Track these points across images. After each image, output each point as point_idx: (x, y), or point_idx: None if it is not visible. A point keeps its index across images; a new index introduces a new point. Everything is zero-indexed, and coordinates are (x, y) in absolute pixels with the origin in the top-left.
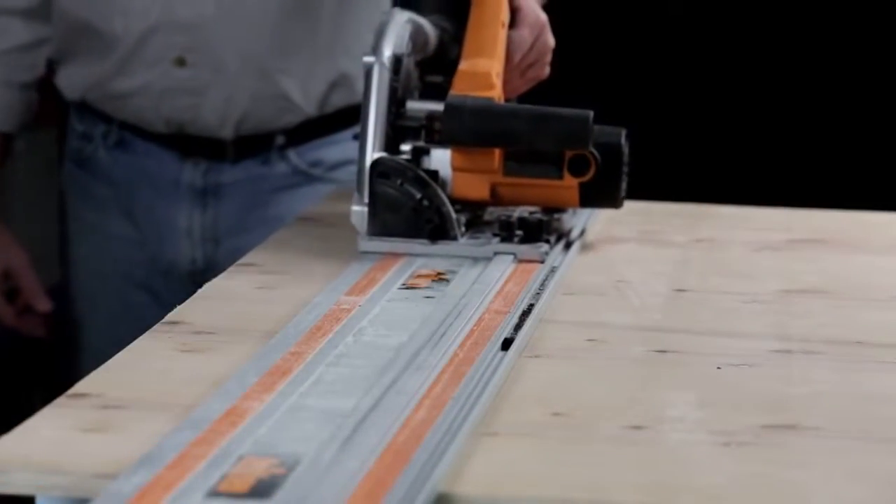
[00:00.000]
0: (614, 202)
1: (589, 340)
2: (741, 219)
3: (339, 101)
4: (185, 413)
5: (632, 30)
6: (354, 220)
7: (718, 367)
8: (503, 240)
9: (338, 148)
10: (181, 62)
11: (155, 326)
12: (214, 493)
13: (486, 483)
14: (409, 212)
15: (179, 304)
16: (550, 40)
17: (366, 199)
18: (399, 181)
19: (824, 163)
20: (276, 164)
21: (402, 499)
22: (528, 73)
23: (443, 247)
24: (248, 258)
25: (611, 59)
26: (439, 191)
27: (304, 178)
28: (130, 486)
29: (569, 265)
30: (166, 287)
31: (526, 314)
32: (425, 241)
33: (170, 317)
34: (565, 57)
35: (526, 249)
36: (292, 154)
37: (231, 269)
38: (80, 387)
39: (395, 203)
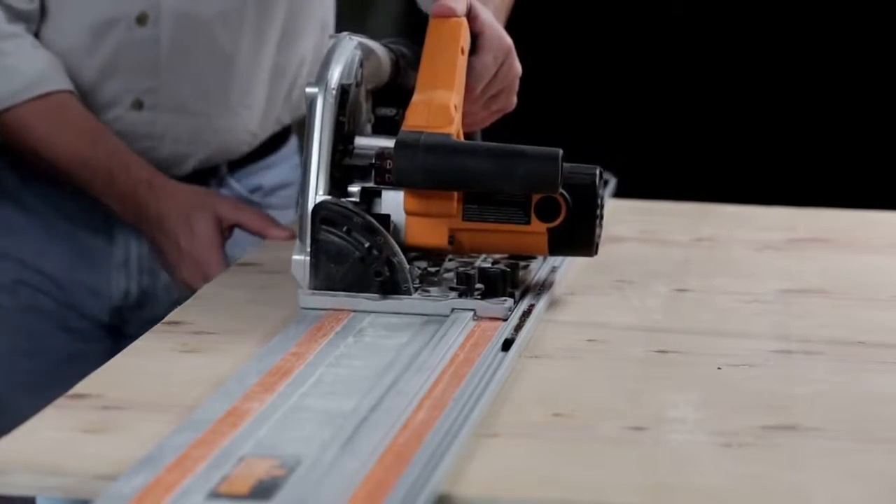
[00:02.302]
0: (588, 249)
1: (589, 341)
2: (742, 218)
3: (286, 118)
4: (186, 414)
5: (633, 29)
6: (295, 271)
7: (719, 368)
8: (461, 294)
9: (274, 171)
10: (139, 105)
11: (155, 326)
12: (215, 495)
13: (487, 484)
14: (356, 263)
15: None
16: (517, 67)
17: (308, 248)
18: (345, 228)
19: (826, 161)
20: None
21: (402, 500)
22: (493, 104)
23: (394, 302)
24: (248, 258)
25: (612, 57)
26: (390, 239)
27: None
28: (131, 487)
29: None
30: (81, 326)
31: (526, 315)
32: (374, 295)
33: (170, 317)
34: (571, 53)
35: (486, 305)
36: (233, 181)
37: (232, 268)
38: (80, 387)
39: (341, 253)
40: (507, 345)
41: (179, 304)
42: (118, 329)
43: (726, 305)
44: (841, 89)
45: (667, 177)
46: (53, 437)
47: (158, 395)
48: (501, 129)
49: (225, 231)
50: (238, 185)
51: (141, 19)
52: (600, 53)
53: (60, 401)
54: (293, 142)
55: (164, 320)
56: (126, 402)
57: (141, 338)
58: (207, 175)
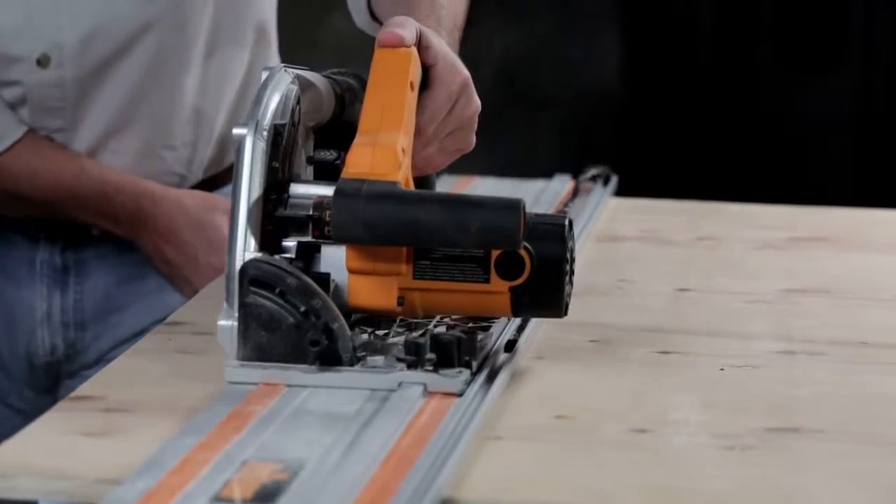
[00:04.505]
0: (556, 310)
1: (592, 342)
2: (744, 216)
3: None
4: (188, 416)
5: (633, 28)
6: (221, 339)
7: (722, 369)
8: (410, 366)
9: None
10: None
11: (157, 328)
12: (218, 499)
13: (490, 488)
14: (291, 329)
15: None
16: (475, 102)
17: (236, 313)
18: (277, 290)
19: (827, 160)
20: None
21: None
22: (449, 144)
23: (333, 375)
24: None
25: (613, 57)
26: (329, 302)
27: None
28: (134, 491)
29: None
30: (9, 385)
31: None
32: (311, 367)
33: (172, 318)
34: (572, 52)
35: (439, 379)
36: None
37: None
38: (82, 390)
39: (273, 319)
40: (510, 346)
41: (108, 355)
42: (56, 383)
43: (728, 305)
44: (841, 89)
45: (668, 175)
46: (56, 440)
47: (161, 398)
48: (491, 131)
49: None
50: None
51: (42, 61)
52: (601, 52)
53: (62, 404)
54: None
55: (165, 321)
56: (128, 405)
57: (142, 339)
58: None
